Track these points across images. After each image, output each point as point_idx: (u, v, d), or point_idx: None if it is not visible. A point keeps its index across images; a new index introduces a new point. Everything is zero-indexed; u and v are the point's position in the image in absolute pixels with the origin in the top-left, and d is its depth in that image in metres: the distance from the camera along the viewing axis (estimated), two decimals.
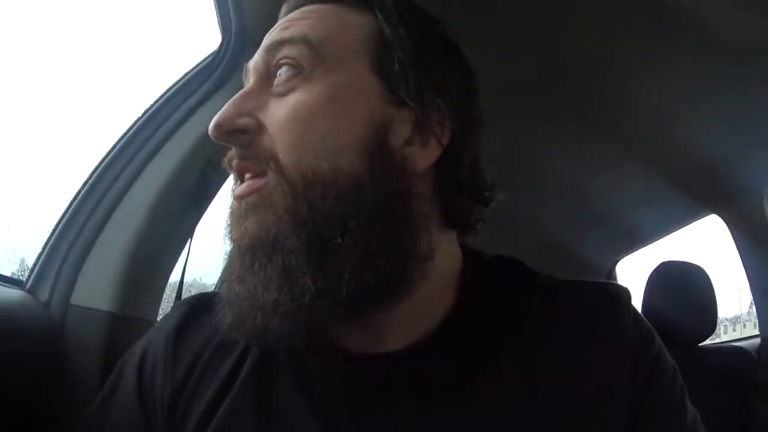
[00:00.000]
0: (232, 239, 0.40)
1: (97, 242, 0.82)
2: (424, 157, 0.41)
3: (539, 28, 0.90)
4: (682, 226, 1.83)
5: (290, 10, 0.44)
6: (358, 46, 0.41)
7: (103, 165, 0.83)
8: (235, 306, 0.38)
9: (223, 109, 0.39)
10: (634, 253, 2.14)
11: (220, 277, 0.53)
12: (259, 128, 0.39)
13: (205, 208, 0.95)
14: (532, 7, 0.84)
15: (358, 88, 0.40)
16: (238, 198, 0.39)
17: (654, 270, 1.40)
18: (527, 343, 0.42)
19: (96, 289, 0.80)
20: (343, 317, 0.37)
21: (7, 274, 0.86)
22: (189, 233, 0.93)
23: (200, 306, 0.49)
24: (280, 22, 0.44)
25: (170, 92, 0.86)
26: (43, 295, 0.80)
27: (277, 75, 0.40)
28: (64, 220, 0.83)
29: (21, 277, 0.85)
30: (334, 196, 0.36)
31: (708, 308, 1.30)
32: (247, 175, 0.40)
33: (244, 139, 0.39)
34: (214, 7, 0.83)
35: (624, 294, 0.45)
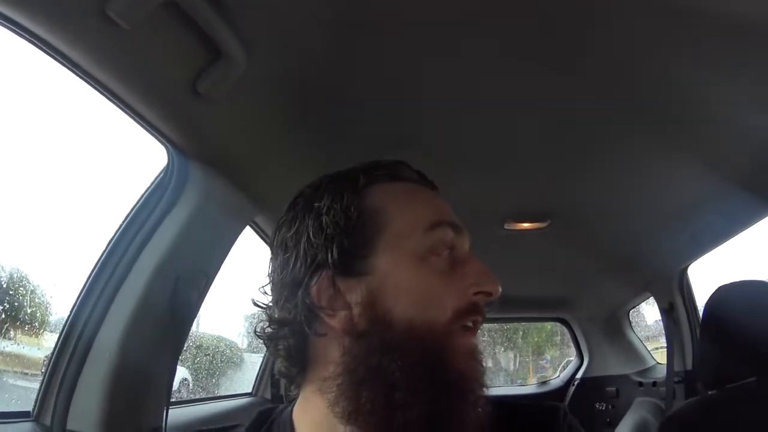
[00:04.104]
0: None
1: (84, 370, 0.87)
2: None
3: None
4: (747, 226, 1.66)
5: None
6: None
7: (79, 300, 0.88)
8: None
9: (494, 277, 0.49)
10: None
11: None
12: None
13: (190, 322, 0.97)
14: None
15: None
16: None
17: (711, 296, 1.23)
18: None
19: (85, 414, 0.86)
20: None
21: None
22: (177, 344, 0.96)
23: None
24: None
25: (127, 219, 0.88)
26: (47, 420, 0.88)
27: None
28: (56, 350, 0.89)
29: None
30: None
31: None
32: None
33: None
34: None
35: (559, 411, 0.54)
